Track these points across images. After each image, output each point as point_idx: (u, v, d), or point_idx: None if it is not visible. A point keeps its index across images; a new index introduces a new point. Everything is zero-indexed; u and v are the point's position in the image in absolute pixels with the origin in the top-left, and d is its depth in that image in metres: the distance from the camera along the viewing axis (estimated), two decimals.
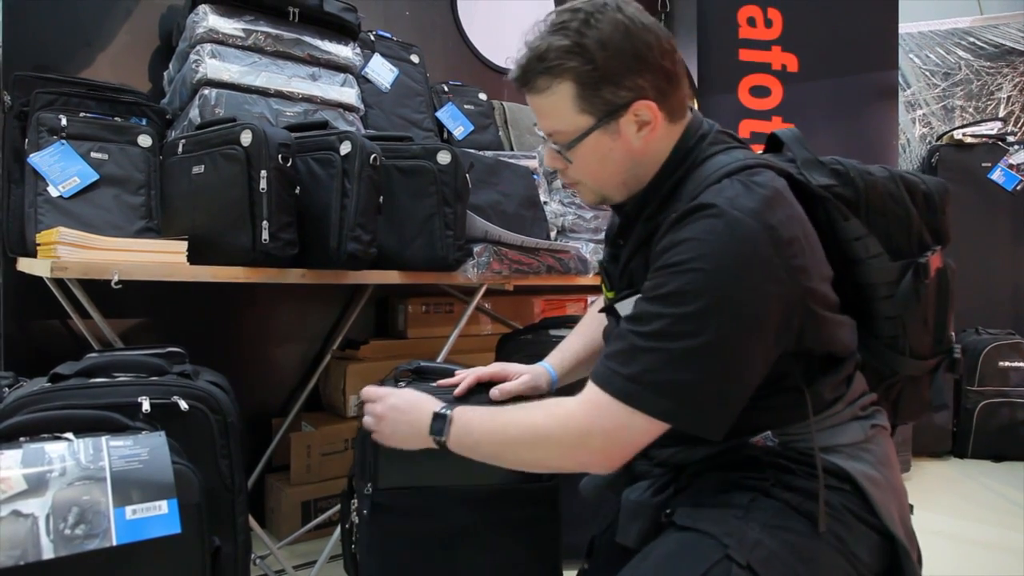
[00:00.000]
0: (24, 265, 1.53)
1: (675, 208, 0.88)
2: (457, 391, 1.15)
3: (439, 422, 0.96)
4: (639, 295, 0.88)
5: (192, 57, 1.72)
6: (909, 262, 0.97)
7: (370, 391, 1.08)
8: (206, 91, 1.69)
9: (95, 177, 1.58)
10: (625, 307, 0.94)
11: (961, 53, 3.72)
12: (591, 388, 0.86)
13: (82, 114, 1.61)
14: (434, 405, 0.99)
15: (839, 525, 0.85)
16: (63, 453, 0.90)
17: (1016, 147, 3.37)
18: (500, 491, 1.22)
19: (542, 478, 1.23)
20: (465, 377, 1.16)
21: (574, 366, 1.27)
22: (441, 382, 1.20)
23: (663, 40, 0.90)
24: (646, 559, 0.85)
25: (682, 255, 0.82)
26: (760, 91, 2.79)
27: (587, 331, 1.30)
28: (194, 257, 1.41)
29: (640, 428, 0.83)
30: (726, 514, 0.84)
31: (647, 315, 0.83)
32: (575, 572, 1.14)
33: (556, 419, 0.88)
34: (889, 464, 0.94)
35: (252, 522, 1.37)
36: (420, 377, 1.35)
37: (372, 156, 1.51)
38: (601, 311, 1.04)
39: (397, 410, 1.01)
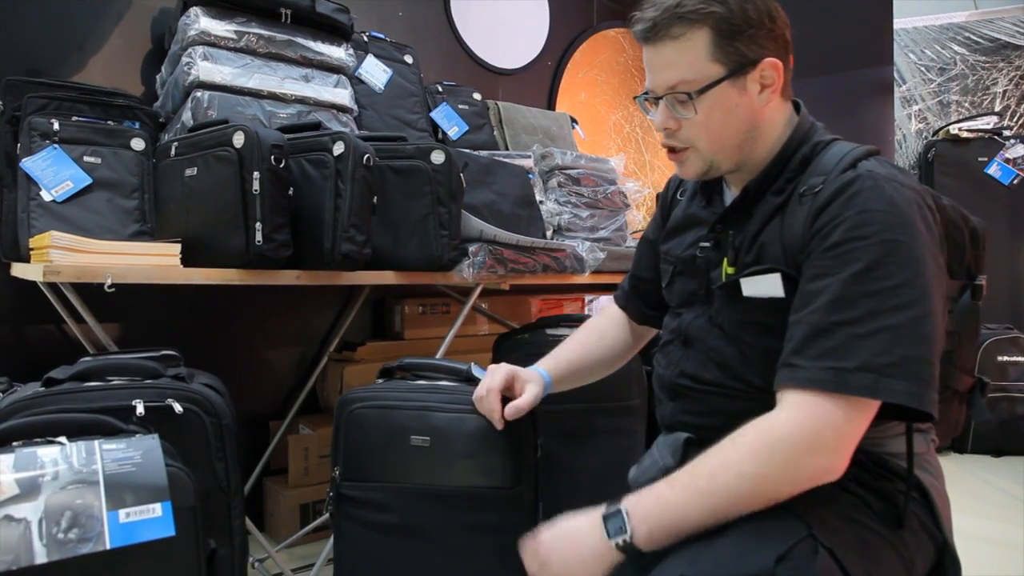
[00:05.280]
0: (17, 270, 1.53)
1: (808, 182, 0.89)
2: (499, 413, 1.13)
3: (615, 520, 0.82)
4: (777, 272, 0.88)
5: (184, 60, 1.71)
6: (967, 283, 1.01)
7: (527, 551, 0.90)
8: (198, 93, 1.69)
9: (88, 181, 1.57)
10: (755, 284, 0.91)
11: (956, 48, 3.72)
12: (804, 396, 0.79)
13: (74, 118, 1.60)
14: (592, 514, 0.86)
15: (907, 531, 0.86)
16: (56, 457, 0.89)
17: (1012, 141, 3.37)
18: (461, 493, 1.23)
19: (506, 484, 1.23)
20: (490, 389, 1.14)
21: (568, 375, 1.23)
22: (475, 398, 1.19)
23: (783, 12, 0.93)
24: (723, 529, 0.81)
25: (865, 228, 0.81)
26: None
27: (585, 340, 1.27)
28: (188, 259, 1.40)
29: (866, 418, 0.79)
30: (805, 498, 0.82)
31: (849, 297, 0.79)
32: None
33: (769, 435, 0.80)
34: (942, 478, 0.97)
35: (250, 525, 1.37)
36: (410, 372, 1.36)
37: (365, 156, 1.51)
38: (719, 287, 0.96)
39: (555, 541, 0.86)
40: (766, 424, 0.81)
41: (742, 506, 0.80)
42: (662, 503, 0.82)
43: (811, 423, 0.78)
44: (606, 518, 0.83)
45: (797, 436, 0.78)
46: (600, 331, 1.29)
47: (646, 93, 0.97)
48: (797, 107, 0.99)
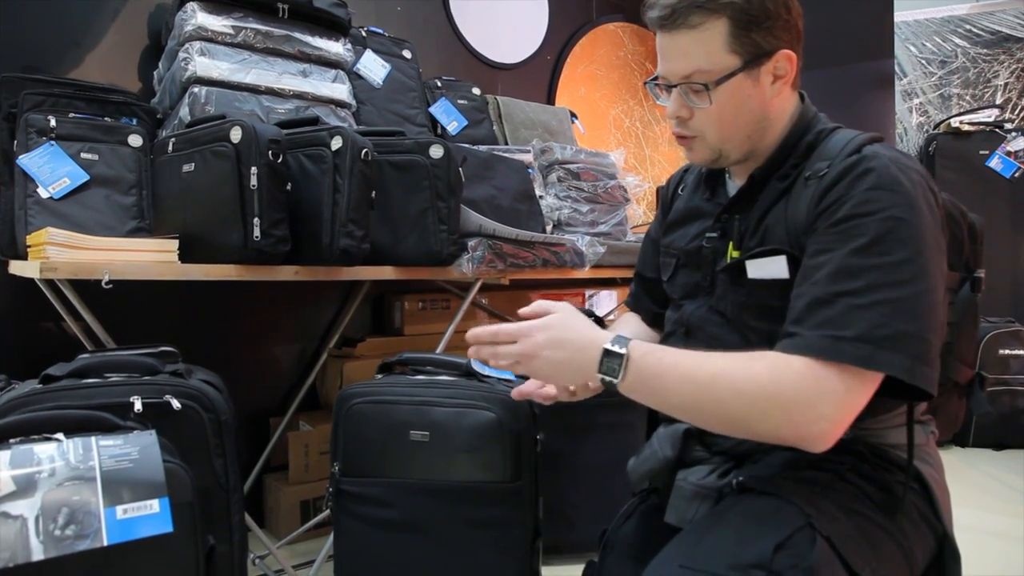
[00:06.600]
0: (15, 267, 1.52)
1: (813, 167, 0.89)
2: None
3: (612, 361, 0.82)
4: (783, 254, 0.88)
5: (181, 55, 1.70)
6: (966, 275, 1.02)
7: (503, 328, 0.88)
8: (196, 89, 1.68)
9: (85, 178, 1.57)
10: (760, 266, 0.91)
11: (957, 41, 3.71)
12: (805, 362, 0.78)
13: (71, 115, 1.60)
14: (601, 337, 0.84)
15: (906, 522, 0.86)
16: (52, 454, 0.89)
17: (1013, 134, 3.36)
18: (459, 488, 1.23)
19: (506, 479, 1.22)
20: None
21: None
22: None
23: (797, 2, 0.93)
24: (721, 518, 0.81)
25: (871, 205, 0.81)
26: None
27: (629, 320, 1.26)
28: (185, 256, 1.40)
29: (867, 390, 0.78)
30: (804, 488, 0.82)
31: (851, 269, 0.79)
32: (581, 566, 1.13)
33: (781, 374, 0.78)
34: (942, 470, 0.97)
35: (250, 521, 1.36)
36: (409, 367, 1.36)
37: (363, 151, 1.50)
38: (722, 270, 0.96)
39: (550, 332, 0.85)
40: (779, 361, 0.79)
41: (717, 417, 0.81)
42: (662, 368, 0.81)
43: (815, 386, 0.77)
44: (606, 354, 0.82)
45: (801, 389, 0.77)
46: (629, 317, 1.28)
47: (656, 78, 0.97)
48: (801, 97, 0.99)
